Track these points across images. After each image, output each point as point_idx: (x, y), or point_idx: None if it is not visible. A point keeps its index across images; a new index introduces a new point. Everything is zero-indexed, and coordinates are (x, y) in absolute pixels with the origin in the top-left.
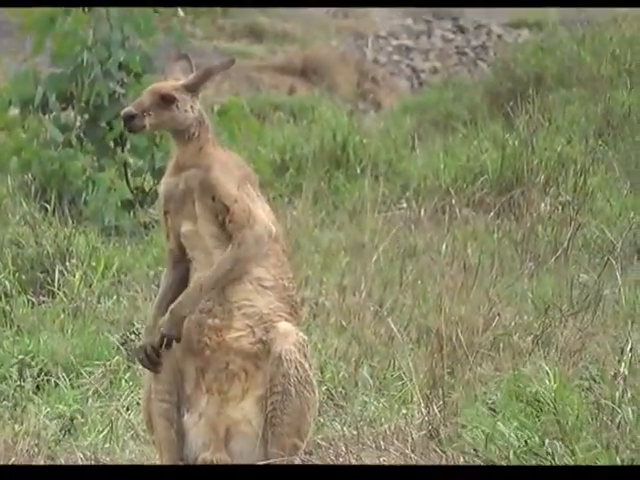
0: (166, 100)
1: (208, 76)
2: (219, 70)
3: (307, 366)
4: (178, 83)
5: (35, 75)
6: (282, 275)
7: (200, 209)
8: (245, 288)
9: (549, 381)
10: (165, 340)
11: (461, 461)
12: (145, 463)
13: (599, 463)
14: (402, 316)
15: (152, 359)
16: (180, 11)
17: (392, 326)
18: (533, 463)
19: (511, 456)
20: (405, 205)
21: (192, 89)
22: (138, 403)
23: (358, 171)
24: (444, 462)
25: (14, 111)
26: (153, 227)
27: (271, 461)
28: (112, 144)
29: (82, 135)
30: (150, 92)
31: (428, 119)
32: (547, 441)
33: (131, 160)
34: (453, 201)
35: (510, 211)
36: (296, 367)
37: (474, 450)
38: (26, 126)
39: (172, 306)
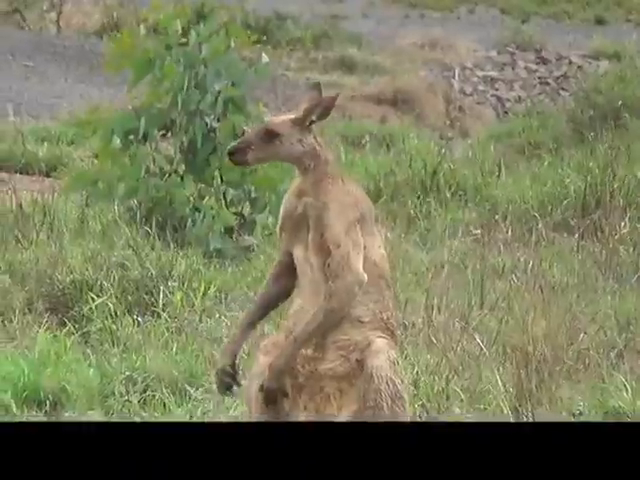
0: (270, 135)
1: (313, 110)
2: (326, 104)
3: (398, 382)
4: (288, 117)
5: (136, 109)
6: (382, 309)
7: (312, 241)
8: (342, 327)
9: (627, 395)
10: (269, 395)
11: None
12: None
13: None
14: (489, 333)
15: (226, 383)
16: (264, 57)
17: (478, 341)
18: None
19: None
20: (479, 231)
21: (300, 123)
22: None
23: (448, 196)
24: None
25: (117, 141)
26: (253, 251)
27: None
28: (213, 174)
29: (183, 165)
30: (258, 126)
31: (514, 146)
32: None
33: (231, 190)
34: (539, 224)
35: (593, 233)
36: (387, 383)
37: None
38: (130, 156)
39: (271, 361)
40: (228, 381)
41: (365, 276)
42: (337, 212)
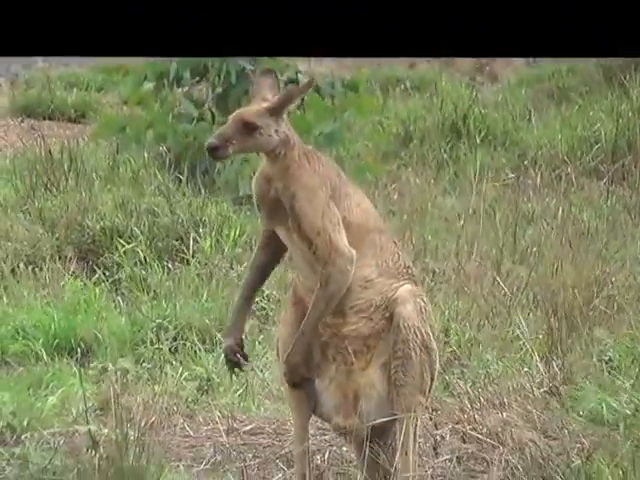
0: (249, 127)
1: (290, 99)
2: (301, 92)
3: (424, 330)
4: (262, 107)
5: None
6: (384, 258)
7: (292, 229)
8: (353, 292)
9: None
10: (293, 384)
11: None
12: (279, 419)
13: None
14: (519, 279)
15: (234, 362)
16: None
17: (505, 289)
18: None
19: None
20: (513, 175)
21: (276, 112)
22: (273, 363)
23: (478, 141)
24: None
25: (148, 86)
26: None
27: (398, 417)
28: None
29: (214, 109)
30: (234, 120)
31: (543, 91)
32: None
33: None
34: (569, 169)
35: (623, 178)
36: (415, 332)
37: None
38: (160, 100)
39: (286, 355)
40: (237, 359)
41: (353, 251)
42: (308, 199)
